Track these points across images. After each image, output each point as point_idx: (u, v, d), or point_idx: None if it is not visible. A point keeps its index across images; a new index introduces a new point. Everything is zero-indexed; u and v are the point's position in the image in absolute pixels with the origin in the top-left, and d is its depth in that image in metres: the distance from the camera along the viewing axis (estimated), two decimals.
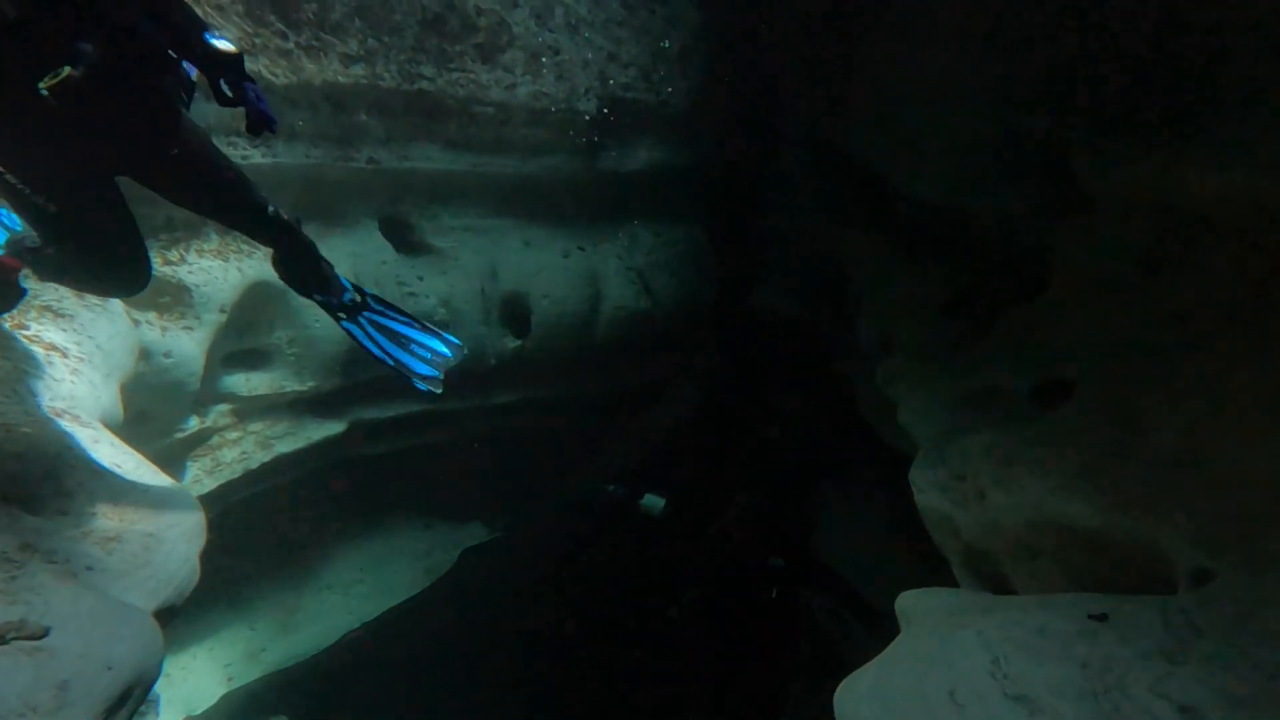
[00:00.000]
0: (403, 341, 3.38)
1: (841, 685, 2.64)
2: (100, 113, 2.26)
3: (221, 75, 2.42)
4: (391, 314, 3.39)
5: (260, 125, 2.52)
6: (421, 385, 3.37)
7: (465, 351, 3.55)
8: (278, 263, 3.01)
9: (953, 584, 3.82)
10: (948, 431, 4.07)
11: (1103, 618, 2.24)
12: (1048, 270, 4.18)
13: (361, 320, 3.27)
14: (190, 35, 2.37)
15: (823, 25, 6.56)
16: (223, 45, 2.40)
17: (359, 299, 3.26)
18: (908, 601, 3.07)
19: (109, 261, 2.60)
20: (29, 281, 2.78)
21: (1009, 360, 4.14)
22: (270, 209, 2.80)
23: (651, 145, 6.99)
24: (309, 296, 3.13)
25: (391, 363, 3.30)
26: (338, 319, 3.23)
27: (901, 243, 5.56)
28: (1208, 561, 2.35)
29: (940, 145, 4.93)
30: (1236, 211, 2.84)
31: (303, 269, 3.02)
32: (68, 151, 2.32)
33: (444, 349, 3.45)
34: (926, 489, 3.81)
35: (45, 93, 2.03)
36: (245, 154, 4.89)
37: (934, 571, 4.24)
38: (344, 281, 3.20)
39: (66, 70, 2.05)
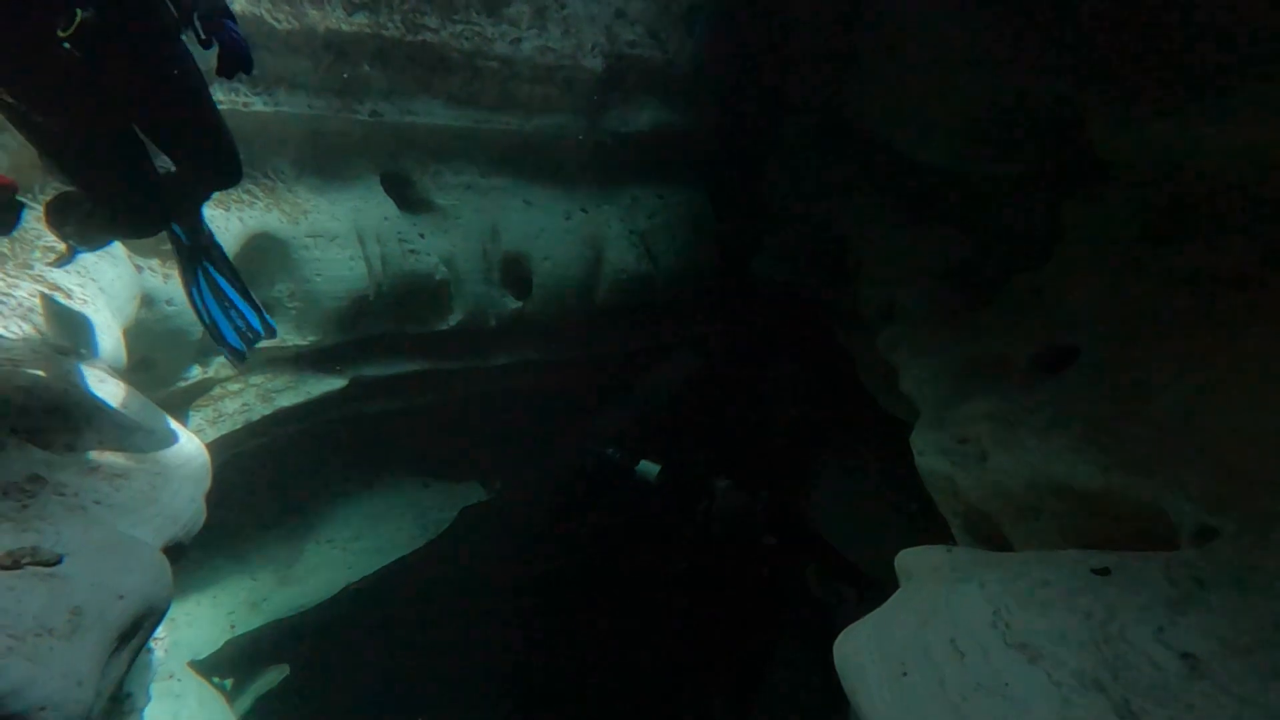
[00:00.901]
0: (225, 304, 3.42)
1: (841, 635, 2.67)
2: (111, 47, 2.22)
3: (197, 9, 2.35)
4: (227, 274, 3.43)
5: (234, 66, 2.45)
6: (226, 353, 3.44)
7: (276, 335, 3.66)
8: (176, 182, 2.91)
9: None
10: (950, 396, 4.08)
11: (1105, 572, 2.27)
12: (1055, 237, 4.16)
13: (199, 268, 3.31)
14: None
15: None
16: None
17: (208, 248, 3.32)
18: (908, 559, 3.10)
19: (119, 189, 2.58)
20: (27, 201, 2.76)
21: (1013, 327, 4.14)
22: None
23: (656, 106, 6.90)
24: (169, 224, 3.07)
25: (206, 319, 3.34)
26: (181, 256, 3.26)
27: (906, 209, 5.52)
28: (1210, 520, 2.37)
29: (948, 110, 4.86)
30: (1254, 169, 2.82)
31: (191, 200, 3.00)
32: (80, 83, 2.28)
33: (258, 325, 3.51)
34: (928, 451, 3.83)
35: (67, 45, 2.02)
36: (247, 101, 4.81)
37: (932, 540, 4.28)
38: (209, 226, 3.28)
39: (79, 15, 2.02)
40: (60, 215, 2.71)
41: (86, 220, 2.66)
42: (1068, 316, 3.72)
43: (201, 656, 4.78)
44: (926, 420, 4.14)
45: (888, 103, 5.48)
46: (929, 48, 5.03)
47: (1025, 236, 4.48)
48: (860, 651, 2.54)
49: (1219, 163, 2.95)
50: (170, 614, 2.52)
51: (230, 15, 2.47)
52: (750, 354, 7.93)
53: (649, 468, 7.05)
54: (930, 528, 4.17)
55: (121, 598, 1.93)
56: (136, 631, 1.99)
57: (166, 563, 2.27)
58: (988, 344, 4.15)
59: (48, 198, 2.78)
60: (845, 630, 2.73)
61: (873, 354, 5.56)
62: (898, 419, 5.29)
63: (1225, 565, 2.10)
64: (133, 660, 2.00)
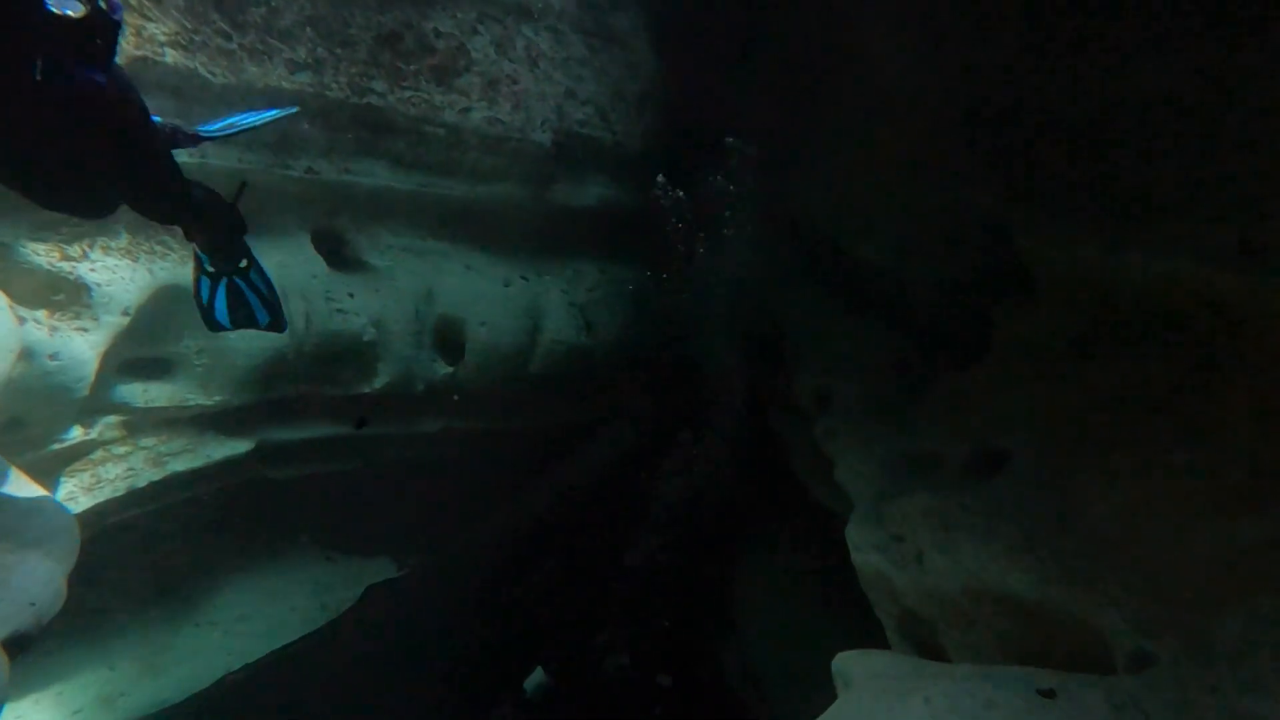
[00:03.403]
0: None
1: None
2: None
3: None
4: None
5: None
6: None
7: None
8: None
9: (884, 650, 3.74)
10: (886, 490, 4.06)
11: (1051, 694, 2.20)
12: (987, 340, 4.28)
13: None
14: None
15: (776, 91, 6.75)
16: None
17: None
18: (846, 663, 2.97)
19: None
20: None
21: (945, 426, 4.18)
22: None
23: (603, 183, 6.97)
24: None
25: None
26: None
27: (845, 300, 5.65)
28: (1147, 644, 2.35)
29: (888, 212, 5.05)
30: (1177, 299, 2.97)
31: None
32: None
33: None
34: (864, 548, 3.77)
35: None
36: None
37: (864, 639, 4.15)
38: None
39: None
40: None
41: None
42: (998, 421, 3.78)
43: None
44: (862, 514, 4.09)
45: (828, 199, 5.67)
46: (866, 151, 5.27)
47: (957, 337, 4.61)
48: None
49: (1143, 287, 3.09)
50: (2, 713, 2.14)
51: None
52: (680, 437, 7.85)
53: (535, 680, 6.60)
54: (862, 628, 4.06)
55: None
56: None
57: (4, 660, 1.92)
58: (922, 441, 4.18)
59: None
60: None
61: (807, 441, 5.56)
62: (828, 507, 5.25)
63: (1166, 697, 2.06)
64: None
